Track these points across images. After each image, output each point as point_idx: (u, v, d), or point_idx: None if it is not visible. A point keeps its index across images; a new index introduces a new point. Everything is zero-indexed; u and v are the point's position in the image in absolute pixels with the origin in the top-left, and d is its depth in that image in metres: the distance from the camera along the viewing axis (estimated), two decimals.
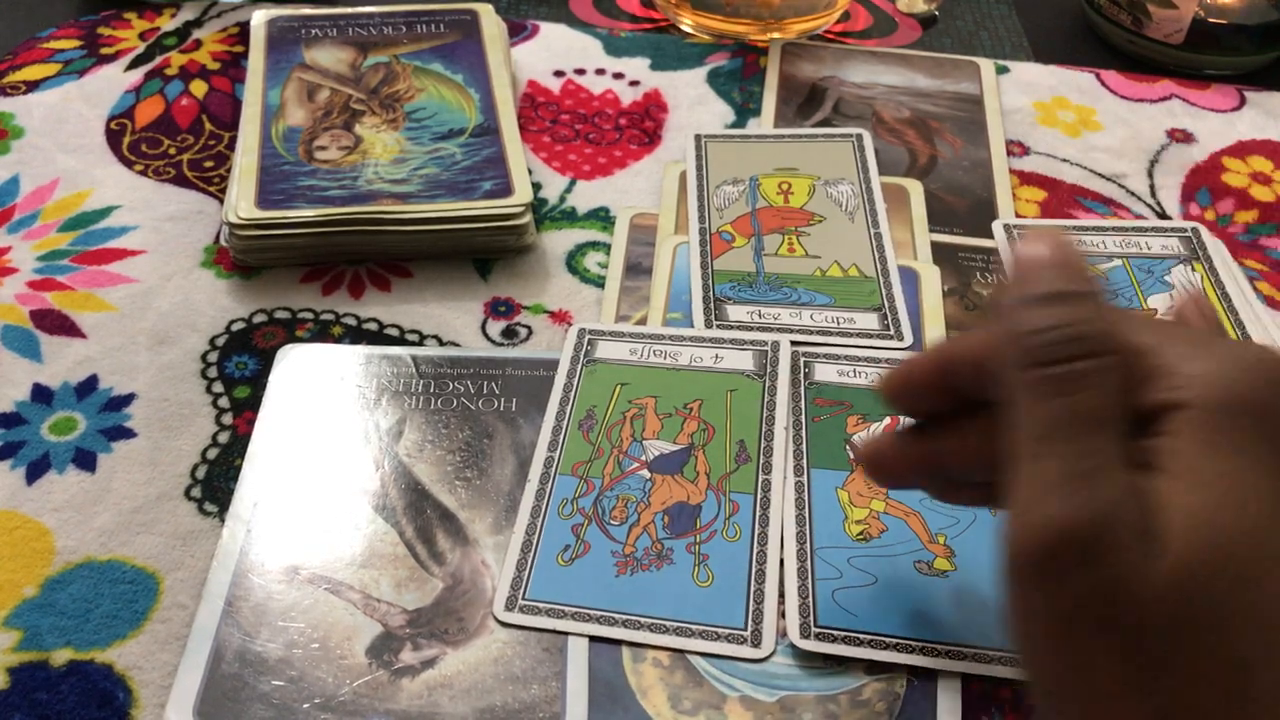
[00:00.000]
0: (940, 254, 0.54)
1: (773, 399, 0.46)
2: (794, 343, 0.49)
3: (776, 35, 0.67)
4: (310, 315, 0.50)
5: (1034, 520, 0.26)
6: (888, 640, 0.38)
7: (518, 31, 0.67)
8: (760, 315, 0.50)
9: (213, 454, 0.44)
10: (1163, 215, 0.57)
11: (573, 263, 0.53)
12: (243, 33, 0.65)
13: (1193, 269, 0.49)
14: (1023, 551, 0.26)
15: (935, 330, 0.50)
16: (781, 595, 0.40)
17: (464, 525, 0.42)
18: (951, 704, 0.37)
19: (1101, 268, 0.49)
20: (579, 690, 0.37)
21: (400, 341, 0.49)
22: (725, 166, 0.57)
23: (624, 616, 0.39)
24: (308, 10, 0.64)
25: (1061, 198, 0.58)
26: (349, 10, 0.64)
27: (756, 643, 0.39)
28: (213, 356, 0.48)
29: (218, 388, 0.47)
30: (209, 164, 0.57)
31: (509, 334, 0.50)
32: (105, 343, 0.48)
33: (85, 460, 0.44)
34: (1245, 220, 0.57)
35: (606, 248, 0.54)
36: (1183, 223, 0.54)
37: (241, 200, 0.51)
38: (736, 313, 0.50)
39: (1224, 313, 0.48)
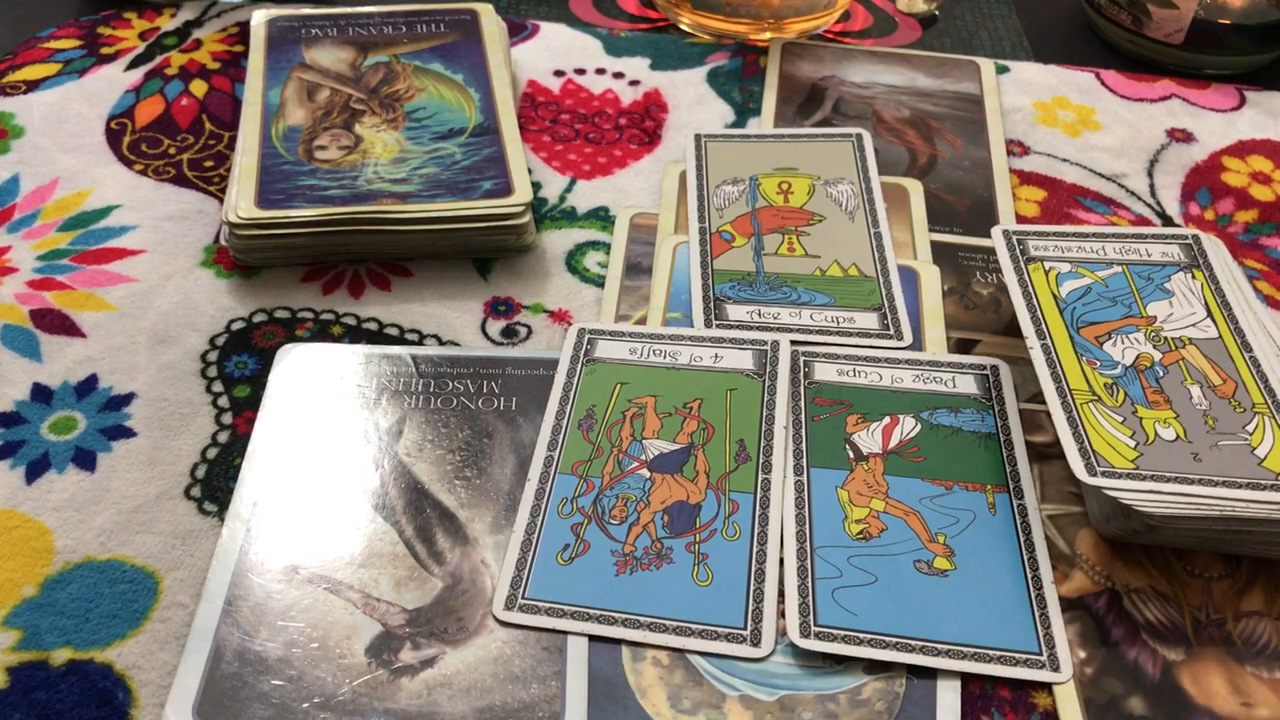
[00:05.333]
0: (940, 253, 0.54)
1: (772, 398, 0.46)
2: (794, 342, 0.49)
3: (776, 35, 0.67)
4: (310, 315, 0.50)
5: None
6: (887, 639, 0.38)
7: (518, 31, 0.67)
8: (760, 315, 0.50)
9: (212, 453, 0.44)
10: (1162, 215, 0.57)
11: (572, 262, 0.53)
12: (243, 32, 0.65)
13: (1193, 276, 0.49)
14: None
15: (935, 330, 0.50)
16: (781, 594, 0.40)
17: (463, 524, 0.42)
18: (951, 703, 0.37)
19: (1101, 275, 0.49)
20: (579, 689, 0.37)
21: (400, 341, 0.49)
22: (725, 166, 0.57)
23: (623, 616, 0.39)
24: (308, 10, 0.64)
25: (1061, 197, 0.58)
26: (349, 10, 0.64)
27: (756, 642, 0.38)
28: (213, 356, 0.48)
29: (217, 387, 0.47)
30: (209, 164, 0.57)
31: (509, 333, 0.50)
32: (105, 342, 0.48)
33: (85, 460, 0.44)
34: (1245, 220, 0.57)
35: (606, 247, 0.54)
36: (1183, 229, 0.54)
37: (241, 200, 0.51)
38: (736, 312, 0.50)
39: (1224, 321, 0.47)
